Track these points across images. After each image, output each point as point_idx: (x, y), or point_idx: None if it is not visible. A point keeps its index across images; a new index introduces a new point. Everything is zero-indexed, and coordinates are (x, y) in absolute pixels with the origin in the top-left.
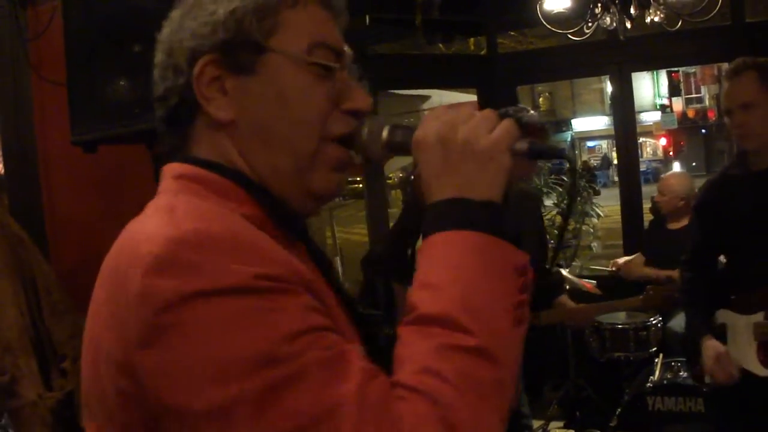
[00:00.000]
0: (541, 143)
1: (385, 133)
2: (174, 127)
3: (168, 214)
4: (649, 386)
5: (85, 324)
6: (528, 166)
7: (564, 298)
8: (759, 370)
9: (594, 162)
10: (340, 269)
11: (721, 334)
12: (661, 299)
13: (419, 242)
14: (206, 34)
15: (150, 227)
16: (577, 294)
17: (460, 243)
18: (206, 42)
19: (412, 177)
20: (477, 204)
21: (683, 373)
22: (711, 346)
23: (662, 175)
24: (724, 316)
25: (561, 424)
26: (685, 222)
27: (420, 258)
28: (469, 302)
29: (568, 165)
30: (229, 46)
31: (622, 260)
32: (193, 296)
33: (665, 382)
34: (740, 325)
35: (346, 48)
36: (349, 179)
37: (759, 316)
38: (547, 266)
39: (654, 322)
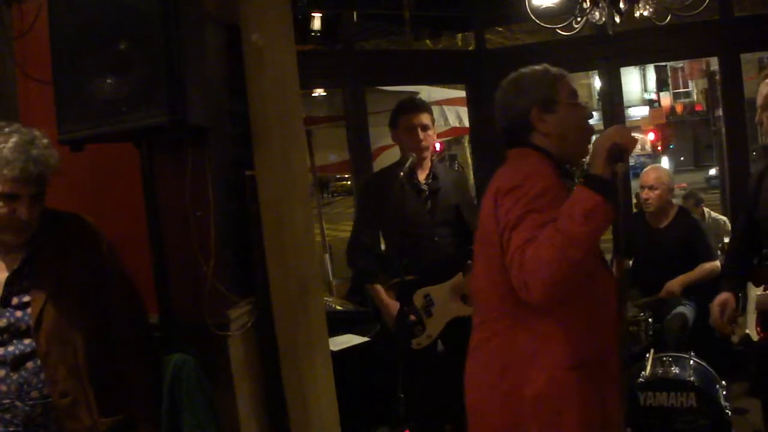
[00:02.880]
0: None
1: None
2: (518, 137)
3: (515, 166)
4: (641, 381)
5: None
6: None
7: None
8: (754, 335)
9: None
10: (329, 266)
11: (745, 302)
12: None
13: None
14: (532, 100)
15: (507, 171)
16: None
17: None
18: (534, 101)
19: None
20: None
21: (675, 368)
22: (724, 297)
23: (644, 170)
24: (748, 287)
25: None
26: (670, 219)
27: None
28: (564, 214)
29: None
30: (543, 100)
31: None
32: (520, 183)
33: (657, 377)
34: (752, 295)
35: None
36: (338, 176)
37: (761, 289)
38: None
39: (644, 317)
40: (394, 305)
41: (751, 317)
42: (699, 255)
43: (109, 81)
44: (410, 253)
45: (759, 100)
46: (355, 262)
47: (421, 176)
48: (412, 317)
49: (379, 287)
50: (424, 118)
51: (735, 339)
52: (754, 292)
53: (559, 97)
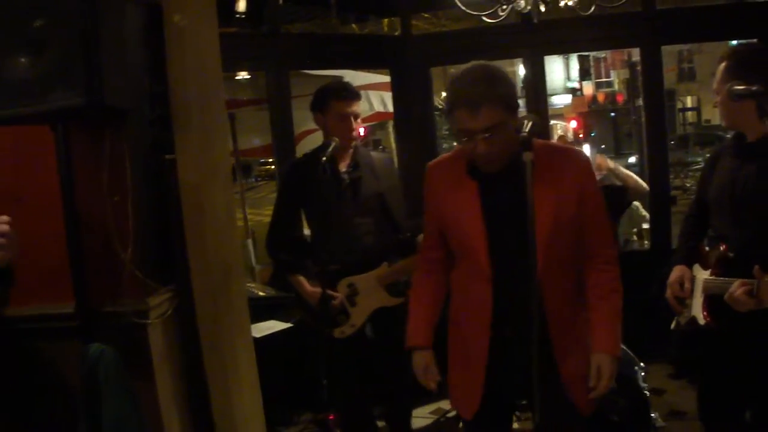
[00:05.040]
0: None
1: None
2: None
3: None
4: None
5: None
6: None
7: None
8: (700, 319)
9: None
10: (252, 251)
11: (693, 284)
12: None
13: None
14: None
15: None
16: None
17: None
18: None
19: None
20: None
21: None
22: (679, 268)
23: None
24: (695, 269)
25: None
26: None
27: None
28: None
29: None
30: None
31: None
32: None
33: None
34: (699, 278)
35: None
36: (261, 160)
37: (708, 273)
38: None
39: None
40: (316, 293)
41: (698, 301)
42: None
43: (23, 60)
44: (332, 241)
45: (714, 84)
46: (275, 253)
47: (342, 165)
48: (335, 302)
49: (301, 278)
50: (357, 107)
51: (683, 321)
52: (702, 275)
53: None
